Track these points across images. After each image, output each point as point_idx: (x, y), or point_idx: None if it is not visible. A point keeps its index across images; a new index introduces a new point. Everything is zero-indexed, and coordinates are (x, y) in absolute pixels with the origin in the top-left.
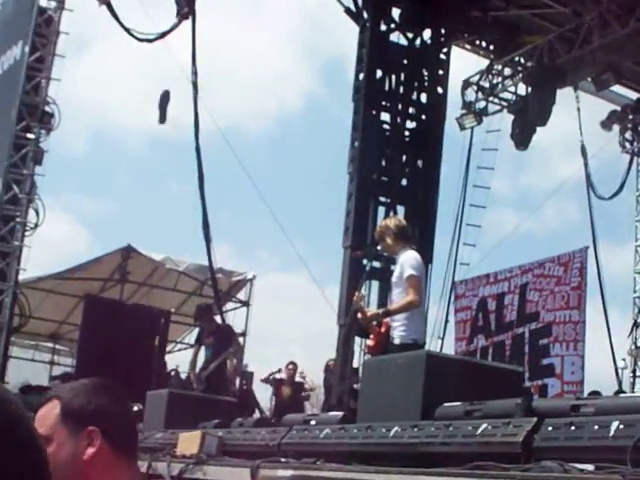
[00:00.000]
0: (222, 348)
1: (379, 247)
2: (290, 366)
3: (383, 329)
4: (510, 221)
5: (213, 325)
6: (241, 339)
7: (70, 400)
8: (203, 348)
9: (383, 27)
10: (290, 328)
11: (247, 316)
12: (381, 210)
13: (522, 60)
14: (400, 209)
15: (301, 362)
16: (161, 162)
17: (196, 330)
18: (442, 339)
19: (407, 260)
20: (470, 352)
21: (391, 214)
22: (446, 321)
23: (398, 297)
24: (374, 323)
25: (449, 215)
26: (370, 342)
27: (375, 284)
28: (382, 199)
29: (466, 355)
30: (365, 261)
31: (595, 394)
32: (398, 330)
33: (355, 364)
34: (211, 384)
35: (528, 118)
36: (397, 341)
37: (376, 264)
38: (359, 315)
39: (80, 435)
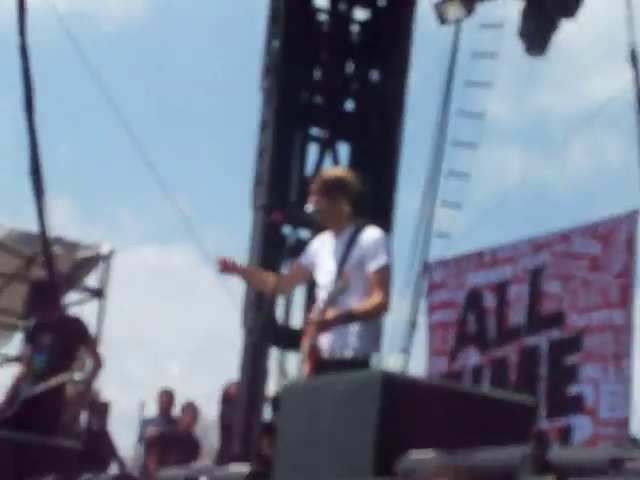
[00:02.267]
0: (64, 357)
1: (310, 208)
2: (163, 397)
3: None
4: (515, 167)
5: (53, 315)
6: None
7: None
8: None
9: None
10: (168, 333)
11: (100, 313)
12: (313, 149)
13: None
14: (342, 147)
15: (184, 387)
16: None
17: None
18: (406, 352)
19: (376, 241)
20: (454, 374)
21: (333, 161)
22: (413, 324)
23: (347, 296)
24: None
25: (420, 158)
26: (305, 365)
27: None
28: (315, 131)
29: (447, 378)
30: (287, 229)
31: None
32: (343, 339)
33: (270, 390)
34: (34, 417)
35: (546, 6)
36: (338, 355)
37: (304, 234)
38: (310, 318)
39: None
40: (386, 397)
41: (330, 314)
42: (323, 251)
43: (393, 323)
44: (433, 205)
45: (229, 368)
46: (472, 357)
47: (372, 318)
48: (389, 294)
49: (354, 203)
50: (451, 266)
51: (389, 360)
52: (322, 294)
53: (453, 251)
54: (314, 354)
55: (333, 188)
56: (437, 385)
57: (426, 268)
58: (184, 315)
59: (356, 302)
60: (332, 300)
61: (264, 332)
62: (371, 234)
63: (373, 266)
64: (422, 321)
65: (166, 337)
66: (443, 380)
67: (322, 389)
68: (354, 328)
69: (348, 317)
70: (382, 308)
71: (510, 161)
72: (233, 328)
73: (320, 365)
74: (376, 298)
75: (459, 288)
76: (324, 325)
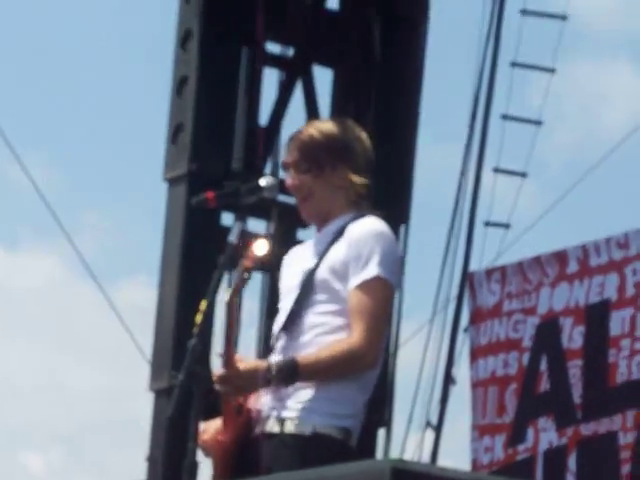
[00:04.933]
0: None
1: (267, 183)
2: None
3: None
4: (620, 101)
5: None
6: None
7: None
8: None
9: None
10: (28, 400)
11: None
12: (270, 78)
13: None
14: (322, 76)
15: None
16: None
17: None
18: (438, 427)
19: (366, 239)
20: (516, 462)
21: (306, 99)
22: (447, 379)
23: (323, 324)
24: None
25: (458, 94)
26: (219, 434)
27: (254, 283)
28: (274, 48)
29: (505, 469)
30: (227, 218)
31: None
32: (303, 403)
33: None
34: None
35: None
36: (295, 429)
37: (257, 225)
38: (222, 367)
39: None
40: None
41: (252, 363)
42: (293, 262)
43: (414, 378)
44: (479, 176)
45: (136, 457)
46: (547, 434)
47: (338, 373)
48: (377, 330)
49: (362, 176)
50: (510, 278)
51: (406, 440)
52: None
53: (515, 253)
54: (231, 422)
55: (324, 157)
56: None
57: (469, 284)
58: (57, 369)
59: (322, 343)
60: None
61: (186, 393)
62: (363, 226)
63: (355, 281)
64: (462, 372)
65: (23, 407)
66: (494, 476)
67: None
68: (335, 389)
69: (286, 371)
70: (358, 357)
71: (612, 92)
72: (136, 392)
73: (251, 449)
74: (350, 339)
75: (526, 315)
76: (231, 381)
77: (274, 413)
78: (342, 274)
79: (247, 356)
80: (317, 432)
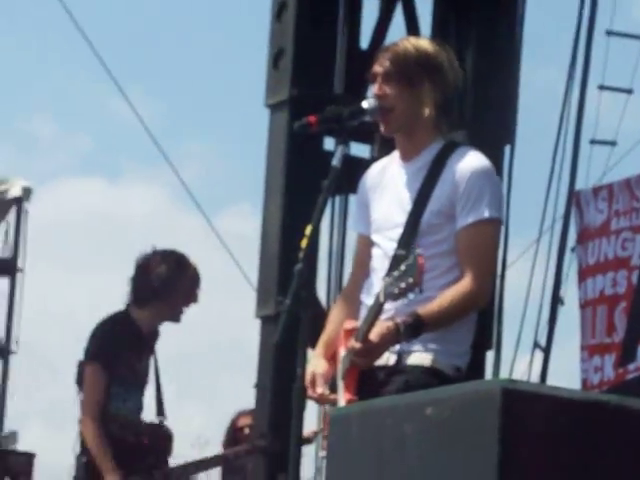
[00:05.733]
0: None
1: (370, 104)
2: None
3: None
4: None
5: None
6: None
7: None
8: None
9: None
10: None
11: (13, 299)
12: (370, 0)
13: None
14: (423, 4)
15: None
16: None
17: None
18: (546, 349)
19: (477, 177)
20: (625, 383)
21: (408, 26)
22: (558, 301)
23: (434, 268)
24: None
25: (562, 14)
26: (345, 394)
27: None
28: None
29: (616, 388)
30: (329, 142)
31: None
32: (422, 344)
33: (311, 423)
34: None
35: None
36: (411, 361)
37: (359, 149)
38: (353, 342)
39: None
40: (509, 425)
41: (382, 329)
42: (383, 191)
43: (522, 300)
44: (584, 92)
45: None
46: None
47: (457, 318)
48: (489, 272)
49: (447, 102)
50: (618, 196)
51: (515, 361)
52: (377, 278)
53: (622, 168)
54: (352, 383)
55: (415, 71)
56: (593, 402)
57: (576, 203)
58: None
59: (434, 288)
60: (388, 297)
61: (294, 325)
62: (469, 163)
63: (466, 220)
64: (571, 294)
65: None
66: (609, 395)
67: (396, 416)
68: (450, 332)
69: (413, 329)
70: (475, 301)
71: None
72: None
73: (369, 380)
74: (466, 284)
75: (634, 233)
76: (368, 353)
77: (394, 348)
78: (450, 214)
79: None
80: (435, 367)
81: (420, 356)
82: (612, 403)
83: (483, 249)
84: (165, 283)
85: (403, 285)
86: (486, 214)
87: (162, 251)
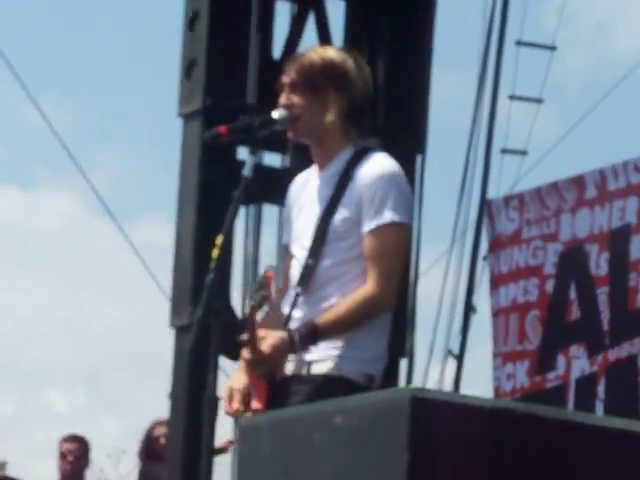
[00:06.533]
0: None
1: (279, 115)
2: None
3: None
4: None
5: None
6: None
7: None
8: None
9: None
10: (62, 337)
11: None
12: (282, 10)
13: None
14: (335, 8)
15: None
16: None
17: None
18: (459, 357)
19: (380, 181)
20: (544, 392)
21: (320, 34)
22: (468, 307)
23: (344, 274)
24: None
25: (471, 21)
26: (254, 402)
27: (270, 217)
28: None
29: (532, 396)
30: (243, 153)
31: None
32: (326, 351)
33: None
34: None
35: None
36: (320, 370)
37: (272, 159)
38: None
39: None
40: (418, 433)
41: (275, 339)
42: (303, 202)
43: (434, 308)
44: (494, 99)
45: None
46: (578, 362)
47: (358, 324)
48: (393, 276)
49: (355, 109)
50: (528, 205)
51: (428, 367)
52: (292, 288)
53: (536, 178)
54: (262, 389)
55: (320, 80)
56: (521, 411)
57: (488, 212)
58: (78, 308)
59: (345, 294)
60: (252, 310)
61: (204, 336)
62: (374, 168)
63: (369, 226)
64: (482, 300)
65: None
66: (519, 403)
67: (305, 425)
68: (360, 335)
69: (307, 337)
70: (376, 305)
71: (627, 10)
72: (157, 329)
73: (277, 389)
74: (367, 289)
75: (545, 242)
76: (261, 363)
77: (300, 357)
78: (357, 220)
79: (268, 331)
80: (342, 375)
81: (325, 364)
82: (520, 411)
83: (385, 253)
84: None
85: (258, 298)
86: (388, 218)
87: None
